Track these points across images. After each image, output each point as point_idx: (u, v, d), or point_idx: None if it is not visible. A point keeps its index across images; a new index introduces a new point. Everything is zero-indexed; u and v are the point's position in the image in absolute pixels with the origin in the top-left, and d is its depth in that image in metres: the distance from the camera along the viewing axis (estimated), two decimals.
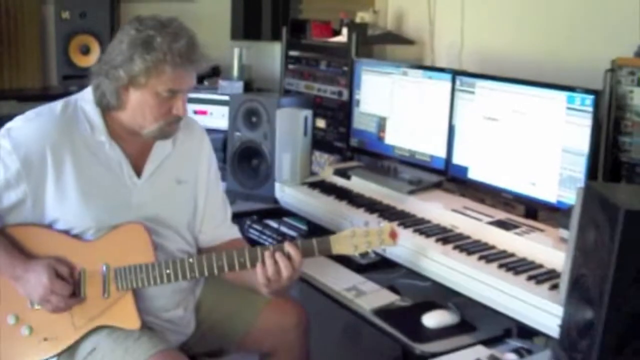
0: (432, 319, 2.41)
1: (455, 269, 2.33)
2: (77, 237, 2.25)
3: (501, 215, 2.64)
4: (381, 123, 3.20)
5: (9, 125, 2.23)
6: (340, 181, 3.13)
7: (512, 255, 2.36)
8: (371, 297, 2.57)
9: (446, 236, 2.51)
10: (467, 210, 2.68)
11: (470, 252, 2.37)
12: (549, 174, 2.53)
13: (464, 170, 2.83)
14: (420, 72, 3.04)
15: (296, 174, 3.10)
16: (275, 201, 3.17)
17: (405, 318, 2.45)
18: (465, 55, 3.45)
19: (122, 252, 2.24)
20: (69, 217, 2.23)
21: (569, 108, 2.46)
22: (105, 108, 2.24)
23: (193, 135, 2.47)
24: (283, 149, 3.11)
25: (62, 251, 2.22)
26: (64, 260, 2.21)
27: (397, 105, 3.12)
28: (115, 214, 2.26)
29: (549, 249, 2.33)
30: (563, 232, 2.34)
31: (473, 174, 2.81)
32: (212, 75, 3.93)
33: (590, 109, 2.40)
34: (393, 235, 2.29)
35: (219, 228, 2.54)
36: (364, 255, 2.34)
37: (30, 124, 2.23)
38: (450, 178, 2.92)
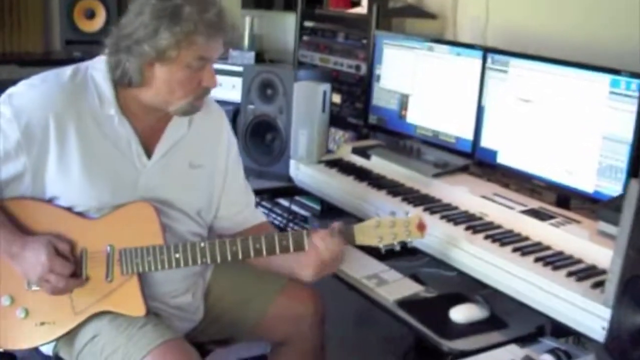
0: (461, 313, 2.26)
1: (487, 261, 2.16)
2: (79, 214, 2.09)
3: (533, 203, 2.47)
4: (403, 100, 3.02)
5: (10, 90, 2.05)
6: (359, 160, 2.96)
7: (548, 248, 2.19)
8: (394, 286, 2.42)
9: (476, 224, 2.35)
10: (497, 197, 2.51)
11: (503, 243, 2.21)
12: (587, 162, 2.36)
13: (493, 154, 2.66)
14: (447, 48, 2.86)
15: (313, 152, 2.93)
16: (289, 179, 2.99)
17: (432, 311, 2.30)
18: (491, 31, 3.24)
19: (128, 232, 2.08)
20: (71, 195, 2.06)
21: (612, 92, 2.28)
22: (125, 84, 2.07)
23: (211, 116, 2.30)
24: (300, 125, 2.94)
25: (64, 228, 2.06)
26: (64, 237, 2.05)
27: (421, 83, 2.95)
28: (120, 195, 2.10)
29: (588, 243, 2.17)
30: (603, 226, 2.18)
31: (502, 159, 2.64)
32: None
33: (636, 93, 2.22)
34: (421, 227, 2.13)
35: (241, 214, 2.38)
36: (389, 247, 2.16)
37: (34, 90, 2.05)
38: (477, 161, 2.73)
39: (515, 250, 2.17)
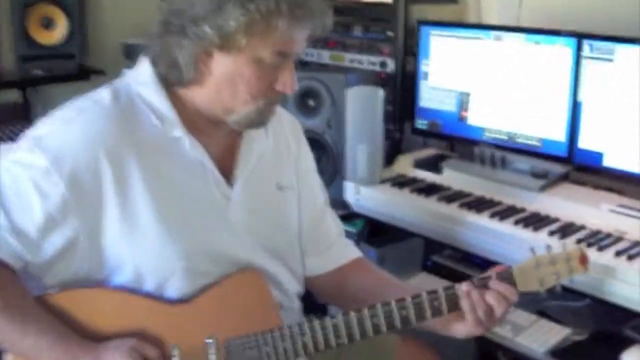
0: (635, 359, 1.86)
1: None
2: (159, 298, 1.58)
3: None
4: (463, 100, 2.59)
5: (35, 133, 1.53)
6: (428, 176, 2.55)
7: None
8: (534, 332, 2.02)
9: (625, 248, 1.99)
10: (626, 208, 2.15)
11: None
12: None
13: (597, 156, 2.29)
14: (522, 36, 2.44)
15: (375, 171, 2.49)
16: (344, 206, 2.50)
17: (597, 359, 1.89)
18: (527, 11, 2.86)
19: (233, 315, 1.60)
20: (144, 259, 1.54)
21: None
22: (174, 85, 1.57)
23: (283, 121, 1.82)
24: (357, 140, 2.46)
25: (145, 322, 1.55)
26: (150, 336, 1.54)
27: (486, 78, 2.53)
28: (212, 243, 1.61)
29: None
30: None
31: (610, 161, 2.26)
32: None
33: None
34: (584, 261, 1.72)
35: (333, 247, 1.91)
36: (550, 291, 1.74)
37: (70, 126, 1.52)
38: (576, 167, 2.34)
39: None
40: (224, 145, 1.67)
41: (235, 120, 1.59)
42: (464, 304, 1.62)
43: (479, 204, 2.30)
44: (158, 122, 1.57)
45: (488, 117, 2.57)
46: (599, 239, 2.04)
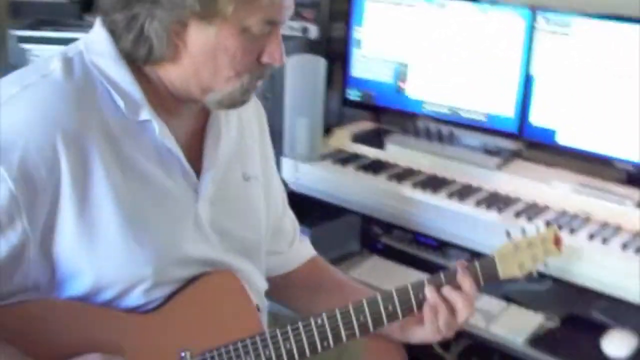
0: (616, 346, 1.86)
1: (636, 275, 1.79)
2: (125, 310, 1.34)
3: (633, 193, 2.09)
4: (400, 70, 2.44)
5: None
6: (370, 152, 2.39)
7: None
8: (507, 320, 1.94)
9: (596, 230, 1.95)
10: (588, 188, 2.09)
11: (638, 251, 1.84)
12: None
13: (550, 133, 2.22)
14: (469, 4, 2.32)
15: (316, 147, 2.29)
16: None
17: (579, 348, 1.85)
18: None
19: (208, 323, 1.40)
20: (105, 266, 1.29)
21: None
22: (139, 61, 1.30)
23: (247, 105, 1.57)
24: (297, 112, 2.26)
25: (109, 335, 1.31)
26: (117, 350, 1.30)
27: (428, 48, 2.39)
28: (181, 244, 1.38)
29: None
30: None
31: (564, 139, 2.20)
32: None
33: None
34: (557, 242, 1.65)
35: (293, 245, 1.74)
36: (528, 277, 1.66)
37: (14, 105, 1.24)
38: (527, 143, 2.27)
39: None
40: (190, 129, 1.42)
41: (215, 100, 1.35)
42: (426, 309, 1.50)
43: (432, 183, 2.17)
44: (121, 102, 1.30)
45: (428, 89, 2.44)
46: (566, 222, 1.96)
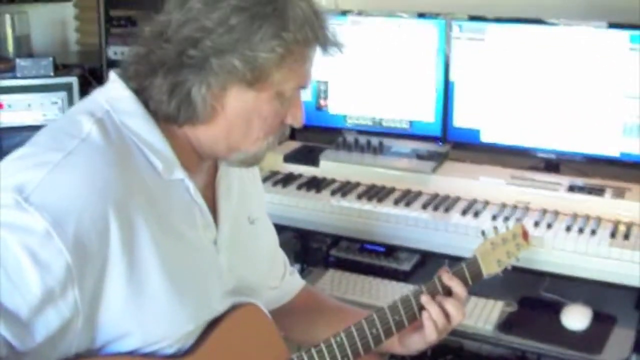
0: (575, 320, 2.02)
1: (586, 253, 1.96)
2: (160, 356, 1.32)
3: (559, 179, 2.28)
4: (320, 89, 2.53)
5: (14, 182, 1.16)
6: (304, 170, 2.44)
7: (626, 222, 2.05)
8: (472, 310, 2.07)
9: (538, 219, 2.08)
10: (520, 180, 2.27)
11: (593, 232, 2.00)
12: (609, 125, 2.24)
13: (475, 133, 2.37)
14: (382, 19, 2.45)
15: None
16: None
17: (542, 327, 2.00)
18: None
19: (239, 358, 1.42)
20: (153, 326, 1.28)
21: (632, 49, 2.15)
22: (180, 124, 1.30)
23: None
24: None
25: None
26: None
27: (346, 65, 2.49)
28: (211, 298, 1.39)
29: None
30: None
31: (488, 137, 2.36)
32: None
33: None
34: (526, 236, 1.79)
35: (285, 277, 1.76)
36: (504, 271, 1.79)
37: (63, 174, 1.19)
38: (452, 145, 2.41)
39: (611, 235, 1.99)
40: (204, 182, 1.42)
41: (239, 159, 1.36)
42: (425, 318, 1.57)
43: (374, 193, 2.25)
44: (158, 163, 1.28)
45: (348, 105, 2.53)
46: (511, 212, 2.09)
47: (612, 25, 2.17)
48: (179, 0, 1.25)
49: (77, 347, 1.21)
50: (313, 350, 1.45)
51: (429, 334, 1.56)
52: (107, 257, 1.18)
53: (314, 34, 1.27)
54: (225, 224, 1.42)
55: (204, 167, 1.40)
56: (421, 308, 1.56)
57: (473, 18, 2.33)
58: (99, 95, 1.32)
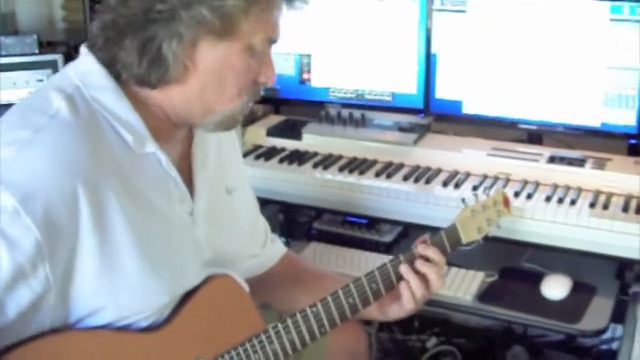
0: (554, 289, 2.04)
1: (565, 223, 1.96)
2: (133, 329, 1.35)
3: (542, 150, 2.29)
4: (303, 62, 2.53)
5: None
6: (287, 143, 2.44)
7: (605, 192, 2.06)
8: (451, 281, 2.09)
9: (519, 189, 2.09)
10: (502, 151, 2.28)
11: (572, 202, 2.01)
12: (591, 96, 2.24)
13: (457, 105, 2.38)
14: None
15: None
16: None
17: (522, 296, 2.01)
18: None
19: (216, 328, 1.43)
20: (126, 300, 1.29)
21: (613, 20, 2.15)
22: (152, 86, 1.29)
23: None
24: None
25: (129, 357, 1.33)
26: None
27: (329, 38, 2.50)
28: (187, 271, 1.41)
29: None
30: None
31: (470, 108, 2.36)
32: None
33: None
34: (507, 203, 1.80)
35: (266, 245, 1.77)
36: (486, 238, 1.80)
37: (31, 150, 1.20)
38: (434, 116, 2.41)
39: (574, 203, 2.01)
40: (179, 153, 1.42)
41: (214, 122, 1.36)
42: (402, 285, 1.58)
43: (357, 165, 2.26)
44: (129, 137, 1.28)
45: (331, 77, 2.53)
46: (492, 183, 2.10)
47: None
48: None
49: (52, 322, 1.23)
50: (289, 320, 1.46)
51: (406, 303, 1.57)
52: (78, 232, 1.20)
53: None
54: (202, 195, 1.42)
55: (178, 136, 1.40)
56: (399, 277, 1.57)
57: None
58: (69, 70, 1.32)
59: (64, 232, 1.18)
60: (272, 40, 1.33)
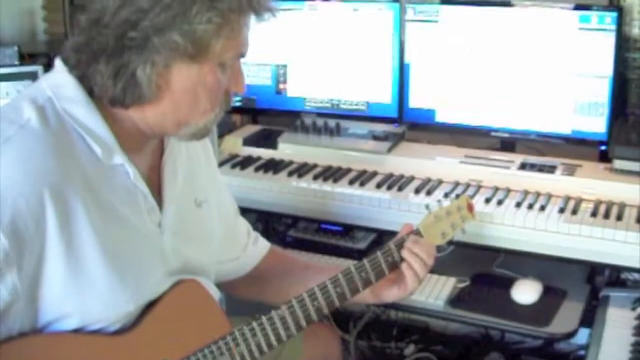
0: (525, 294, 2.06)
1: (535, 228, 1.99)
2: (103, 333, 1.38)
3: (512, 157, 2.33)
4: (279, 73, 2.56)
5: None
6: (262, 153, 2.47)
7: (575, 198, 2.09)
8: (423, 287, 2.09)
9: (489, 194, 2.12)
10: (472, 159, 2.29)
11: (542, 208, 2.05)
12: (561, 103, 2.27)
13: (430, 114, 2.41)
14: (339, 4, 2.48)
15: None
16: None
17: (493, 301, 2.04)
18: None
19: (182, 332, 1.46)
20: (91, 307, 1.33)
21: (582, 29, 2.18)
22: (127, 106, 1.33)
23: None
24: None
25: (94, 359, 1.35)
26: None
27: (304, 49, 2.52)
28: (153, 280, 1.44)
29: (612, 184, 2.12)
30: (621, 164, 2.12)
31: (443, 117, 2.40)
32: None
33: (613, 27, 2.16)
34: (471, 208, 1.85)
35: (248, 248, 1.82)
36: (450, 243, 1.84)
37: (1, 158, 1.24)
38: (408, 125, 2.45)
39: (543, 209, 2.04)
40: (149, 164, 1.46)
41: (189, 133, 1.40)
42: (405, 268, 1.64)
43: (331, 174, 2.28)
44: (98, 149, 1.32)
45: (307, 88, 2.56)
46: (463, 190, 2.13)
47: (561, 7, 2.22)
48: None
49: (21, 327, 1.26)
50: (264, 319, 1.50)
51: (411, 283, 1.65)
52: (45, 241, 1.23)
53: (247, 1, 1.31)
54: (170, 207, 1.46)
55: (149, 148, 1.44)
56: (393, 264, 1.63)
57: (426, 2, 2.34)
58: (43, 82, 1.36)
59: (31, 240, 1.21)
60: (242, 55, 1.38)
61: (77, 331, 1.32)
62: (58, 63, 1.35)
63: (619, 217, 1.93)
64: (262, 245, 1.83)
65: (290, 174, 2.29)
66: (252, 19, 1.36)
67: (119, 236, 1.34)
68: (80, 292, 1.29)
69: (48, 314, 1.28)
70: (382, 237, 2.29)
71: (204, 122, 1.38)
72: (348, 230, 2.31)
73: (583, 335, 2.00)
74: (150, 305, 1.42)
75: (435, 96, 2.40)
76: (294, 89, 2.56)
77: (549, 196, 2.09)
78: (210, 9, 1.26)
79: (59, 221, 1.24)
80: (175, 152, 1.50)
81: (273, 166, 2.34)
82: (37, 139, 1.26)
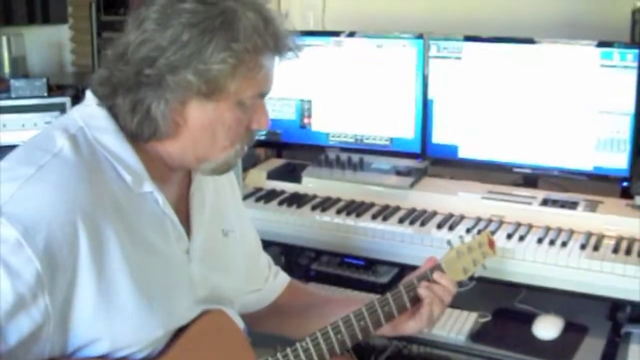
0: (546, 329, 2.06)
1: (556, 264, 2.00)
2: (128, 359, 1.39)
3: (534, 192, 2.34)
4: (304, 107, 2.60)
5: None
6: (286, 186, 2.50)
7: (596, 234, 2.10)
8: (444, 321, 2.11)
9: (511, 230, 2.14)
10: (494, 194, 2.30)
11: (564, 243, 2.05)
12: (582, 140, 2.29)
13: (453, 149, 2.43)
14: (364, 40, 2.52)
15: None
16: None
17: (514, 337, 2.04)
18: (330, 16, 2.96)
19: None
20: (122, 333, 1.34)
21: (603, 65, 2.20)
22: (145, 140, 1.37)
23: None
24: None
25: None
26: None
27: (329, 84, 2.57)
28: (181, 307, 1.45)
29: (632, 220, 2.12)
30: None
31: (465, 152, 2.42)
32: None
33: (635, 64, 2.18)
34: (492, 244, 1.87)
35: (269, 280, 1.85)
36: (471, 278, 1.85)
37: (34, 186, 1.26)
38: (431, 160, 2.47)
39: (564, 245, 2.05)
40: (177, 194, 1.49)
41: (210, 168, 1.43)
42: (425, 304, 1.66)
43: (353, 208, 2.31)
44: (128, 176, 1.35)
45: (331, 122, 2.59)
46: (485, 225, 2.15)
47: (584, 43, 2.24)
48: (136, 22, 1.32)
49: (51, 351, 1.27)
50: (288, 350, 1.51)
51: (424, 317, 1.66)
52: (77, 265, 1.25)
53: (263, 41, 1.33)
54: (198, 235, 1.49)
55: (176, 178, 1.47)
56: (414, 298, 1.66)
57: (450, 38, 2.38)
58: (75, 112, 1.40)
59: (63, 265, 1.24)
60: (262, 94, 1.40)
61: (103, 357, 1.33)
62: (88, 94, 1.40)
63: None
64: (282, 278, 1.86)
65: (314, 208, 2.32)
66: (275, 59, 1.39)
67: (148, 262, 1.36)
68: (110, 316, 1.31)
69: (78, 338, 1.30)
70: (404, 271, 2.30)
71: (224, 158, 1.41)
72: (370, 264, 2.33)
73: None
74: (178, 332, 1.43)
75: (458, 132, 2.42)
76: (318, 124, 2.59)
77: (571, 232, 2.09)
78: (225, 49, 1.29)
79: (91, 246, 1.26)
80: (202, 183, 1.54)
81: (296, 200, 2.37)
82: (69, 167, 1.29)
